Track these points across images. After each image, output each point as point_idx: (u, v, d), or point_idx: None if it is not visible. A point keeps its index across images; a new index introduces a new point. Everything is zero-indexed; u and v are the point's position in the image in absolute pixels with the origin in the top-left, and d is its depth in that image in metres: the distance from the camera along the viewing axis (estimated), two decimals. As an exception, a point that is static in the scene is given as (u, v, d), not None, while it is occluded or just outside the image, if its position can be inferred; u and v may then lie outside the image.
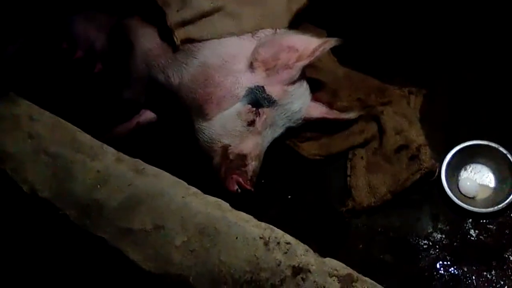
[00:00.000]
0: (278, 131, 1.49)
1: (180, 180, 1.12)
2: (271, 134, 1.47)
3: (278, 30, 1.48)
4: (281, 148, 1.61)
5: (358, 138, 1.64)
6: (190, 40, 1.44)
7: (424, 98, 1.68)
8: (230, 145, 1.41)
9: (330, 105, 1.69)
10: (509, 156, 1.52)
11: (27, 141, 1.20)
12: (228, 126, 1.40)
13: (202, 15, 1.45)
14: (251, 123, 1.40)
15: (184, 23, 1.45)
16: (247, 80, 1.41)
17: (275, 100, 1.41)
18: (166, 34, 1.48)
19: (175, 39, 1.43)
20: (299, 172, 1.65)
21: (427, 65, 1.77)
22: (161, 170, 1.15)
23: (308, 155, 1.65)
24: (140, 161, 1.16)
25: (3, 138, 1.21)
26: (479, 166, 1.59)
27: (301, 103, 1.49)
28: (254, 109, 1.39)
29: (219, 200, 1.09)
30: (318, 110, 1.56)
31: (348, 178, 1.60)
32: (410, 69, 1.77)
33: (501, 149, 1.54)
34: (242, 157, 1.38)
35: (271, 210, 1.58)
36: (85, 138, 1.19)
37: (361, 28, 1.86)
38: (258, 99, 1.40)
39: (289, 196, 1.62)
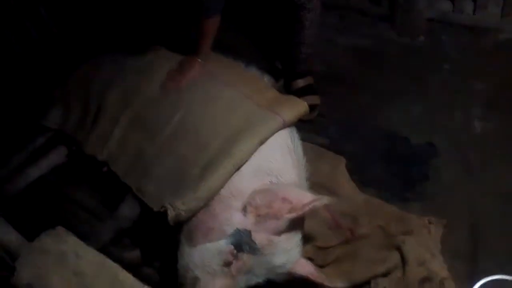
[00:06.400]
0: (254, 279, 1.43)
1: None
2: (245, 281, 1.42)
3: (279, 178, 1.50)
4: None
5: (381, 268, 1.67)
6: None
7: (444, 228, 1.75)
8: (200, 280, 1.38)
9: (352, 231, 1.77)
10: (533, 293, 1.54)
11: (72, 279, 1.27)
12: (205, 260, 1.39)
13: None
14: (227, 264, 1.38)
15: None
16: (237, 220, 1.41)
17: (257, 248, 1.38)
18: None
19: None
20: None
21: (445, 194, 1.86)
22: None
23: (329, 282, 1.68)
24: (177, 301, 1.23)
25: (50, 274, 1.29)
26: (504, 301, 1.60)
27: (285, 258, 1.43)
28: (235, 251, 1.38)
29: None
30: (305, 269, 1.47)
31: (372, 309, 1.63)
32: (427, 197, 1.86)
33: (524, 285, 1.56)
34: None
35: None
36: (127, 278, 1.27)
37: (376, 156, 1.99)
38: (241, 243, 1.38)
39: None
